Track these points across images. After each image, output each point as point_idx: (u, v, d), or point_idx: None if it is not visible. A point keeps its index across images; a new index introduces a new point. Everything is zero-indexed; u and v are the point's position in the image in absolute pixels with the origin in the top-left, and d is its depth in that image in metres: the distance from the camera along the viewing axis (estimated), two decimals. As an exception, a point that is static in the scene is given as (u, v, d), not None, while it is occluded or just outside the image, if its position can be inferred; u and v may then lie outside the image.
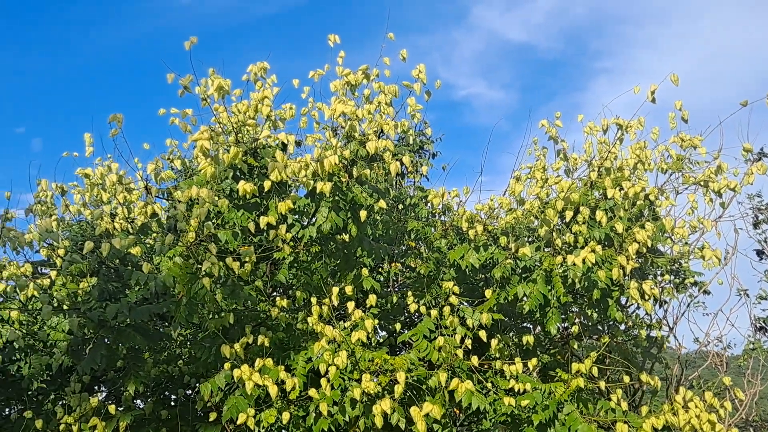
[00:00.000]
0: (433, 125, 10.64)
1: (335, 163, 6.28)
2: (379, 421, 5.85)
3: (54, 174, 8.65)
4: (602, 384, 6.82)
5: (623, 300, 7.56)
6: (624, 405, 6.69)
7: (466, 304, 7.23)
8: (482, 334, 6.73)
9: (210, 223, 6.13)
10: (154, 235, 6.83)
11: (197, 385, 7.10)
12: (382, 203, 6.53)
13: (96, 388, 8.25)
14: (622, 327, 8.63)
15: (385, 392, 6.12)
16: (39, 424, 6.30)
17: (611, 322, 8.27)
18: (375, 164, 6.69)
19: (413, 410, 5.91)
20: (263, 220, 6.32)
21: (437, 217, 8.36)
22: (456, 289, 6.95)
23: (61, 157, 7.88)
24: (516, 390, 6.60)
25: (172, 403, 7.77)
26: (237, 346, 6.35)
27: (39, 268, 7.26)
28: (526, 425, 6.74)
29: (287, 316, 6.96)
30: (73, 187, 8.06)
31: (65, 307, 6.57)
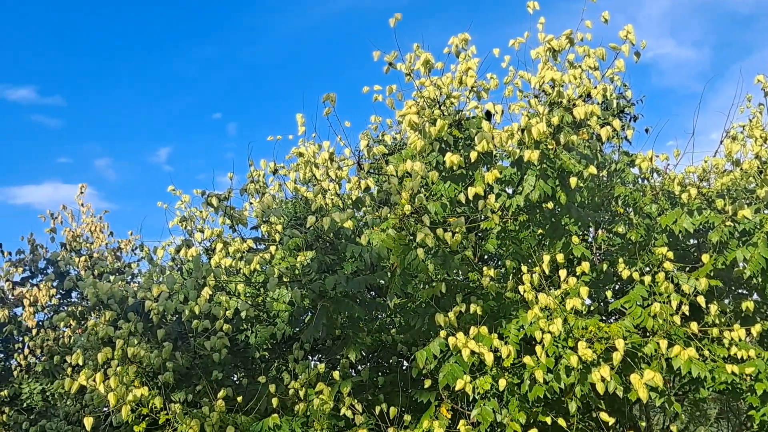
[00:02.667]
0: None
1: (543, 131, 6.24)
2: (600, 388, 5.81)
3: (269, 155, 9.12)
4: (833, 352, 6.42)
5: None
6: None
7: (676, 270, 6.99)
8: (700, 299, 6.49)
9: (422, 195, 6.27)
10: (364, 209, 7.08)
11: (410, 353, 7.31)
12: (592, 169, 6.42)
13: (310, 357, 8.69)
14: None
15: (600, 360, 6.04)
16: (272, 388, 6.74)
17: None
18: (581, 130, 6.57)
19: (634, 378, 5.82)
20: (471, 191, 6.36)
21: (644, 182, 8.10)
22: (670, 254, 6.73)
23: (266, 140, 8.32)
24: (737, 357, 6.34)
25: (386, 371, 8.07)
26: (451, 314, 6.46)
27: (256, 244, 7.73)
28: (748, 394, 6.47)
29: (496, 285, 7.01)
30: (281, 168, 8.48)
31: (286, 279, 6.97)
